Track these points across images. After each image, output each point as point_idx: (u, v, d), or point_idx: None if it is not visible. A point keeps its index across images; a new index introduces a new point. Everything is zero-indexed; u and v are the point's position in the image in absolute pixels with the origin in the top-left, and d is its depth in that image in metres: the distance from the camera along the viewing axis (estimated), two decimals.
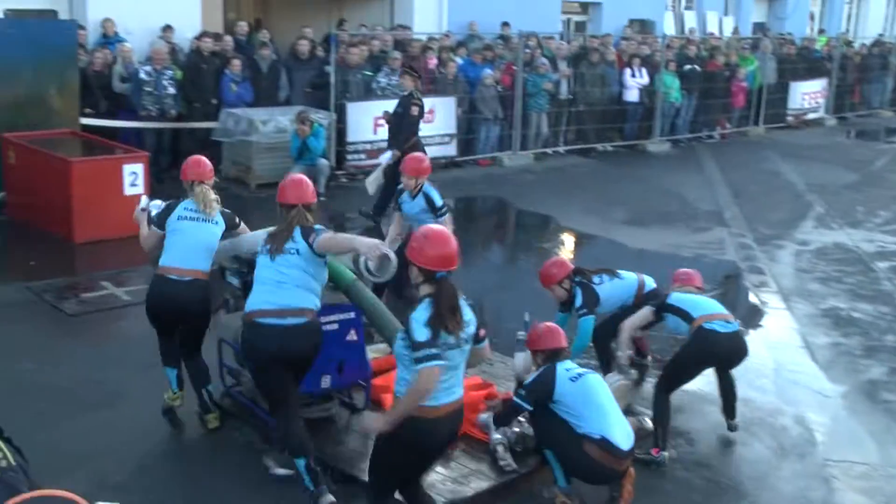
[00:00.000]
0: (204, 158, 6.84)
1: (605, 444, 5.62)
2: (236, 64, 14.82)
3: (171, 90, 14.06)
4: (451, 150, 16.47)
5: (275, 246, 5.65)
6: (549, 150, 18.17)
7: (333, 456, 6.29)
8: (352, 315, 6.64)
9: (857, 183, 17.39)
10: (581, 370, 5.95)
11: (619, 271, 7.65)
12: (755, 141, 21.44)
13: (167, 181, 13.94)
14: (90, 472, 6.08)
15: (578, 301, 7.24)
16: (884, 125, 25.14)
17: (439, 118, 16.02)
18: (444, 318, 4.62)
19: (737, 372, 7.18)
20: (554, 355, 6.01)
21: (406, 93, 12.68)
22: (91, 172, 11.42)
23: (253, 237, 6.45)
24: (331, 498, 5.65)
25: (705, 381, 7.41)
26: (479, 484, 6.04)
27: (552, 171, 17.08)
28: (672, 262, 10.97)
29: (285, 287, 5.60)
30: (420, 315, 4.63)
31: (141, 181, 11.34)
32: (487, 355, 5.30)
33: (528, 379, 6.04)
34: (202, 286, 6.50)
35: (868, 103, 26.36)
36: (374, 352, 7.64)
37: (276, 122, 14.25)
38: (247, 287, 6.72)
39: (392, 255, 5.56)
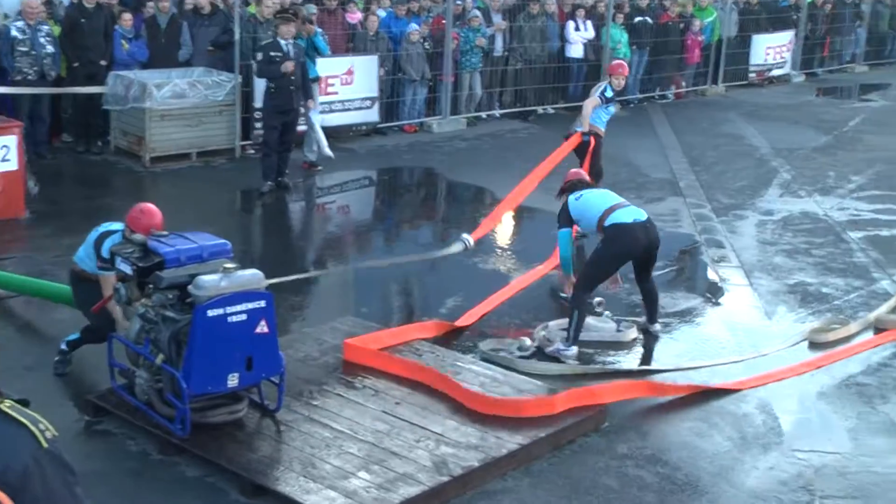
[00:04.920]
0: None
1: None
2: (127, 19, 14.55)
3: (50, 48, 13.72)
4: (372, 115, 16.42)
5: None
6: (483, 115, 18.20)
7: (243, 465, 6.24)
8: (262, 304, 6.55)
9: (828, 146, 17.68)
10: None
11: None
12: (713, 101, 21.71)
13: (48, 155, 13.74)
14: None
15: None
16: (856, 81, 25.60)
17: (359, 79, 15.94)
18: None
19: (695, 350, 7.25)
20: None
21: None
22: None
23: None
24: None
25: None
26: (408, 490, 6.05)
27: (487, 138, 17.10)
28: None
29: None
30: None
31: (14, 155, 11.08)
32: None
33: None
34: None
35: (839, 58, 26.82)
36: None
37: (173, 85, 13.91)
38: (139, 273, 6.66)
39: None
